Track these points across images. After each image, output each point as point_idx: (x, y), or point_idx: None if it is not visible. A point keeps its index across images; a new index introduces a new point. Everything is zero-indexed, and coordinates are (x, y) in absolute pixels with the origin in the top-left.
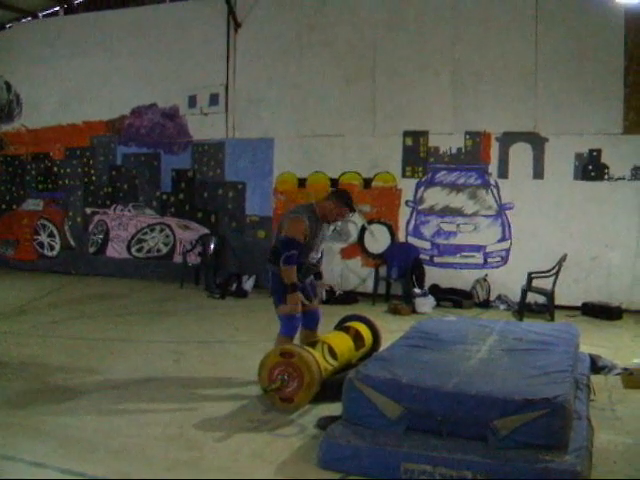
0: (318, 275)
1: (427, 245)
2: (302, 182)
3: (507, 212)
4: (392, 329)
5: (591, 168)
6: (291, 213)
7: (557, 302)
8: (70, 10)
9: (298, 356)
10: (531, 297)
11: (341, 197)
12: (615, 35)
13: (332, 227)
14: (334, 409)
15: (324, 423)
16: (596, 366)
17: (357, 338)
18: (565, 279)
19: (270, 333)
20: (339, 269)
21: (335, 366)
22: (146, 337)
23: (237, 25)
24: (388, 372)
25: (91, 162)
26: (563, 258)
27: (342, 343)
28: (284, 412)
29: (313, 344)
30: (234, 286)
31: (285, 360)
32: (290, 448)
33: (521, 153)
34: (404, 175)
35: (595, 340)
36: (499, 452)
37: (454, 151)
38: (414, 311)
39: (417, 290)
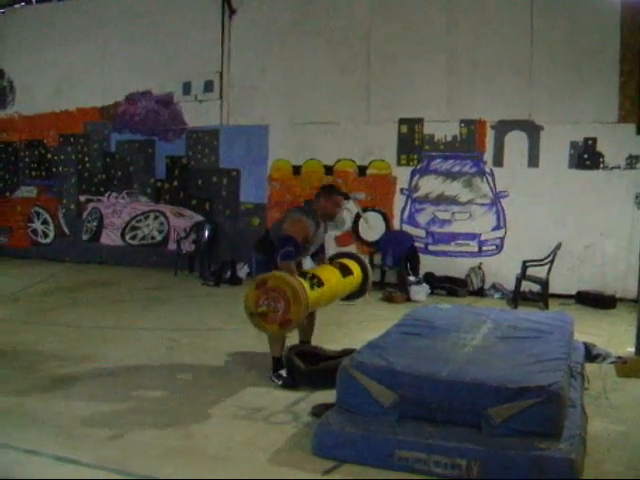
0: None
1: (422, 233)
2: (297, 169)
3: (502, 200)
4: (386, 317)
5: (586, 157)
6: (293, 213)
7: (551, 290)
8: None
9: (271, 278)
10: (525, 285)
11: (327, 189)
12: (611, 23)
13: (333, 224)
14: (328, 397)
15: (318, 411)
16: (590, 354)
17: (342, 269)
18: (559, 267)
19: None
20: None
21: (324, 287)
22: (140, 324)
23: (232, 11)
24: (382, 359)
25: (85, 149)
26: (558, 247)
27: (325, 271)
28: (290, 334)
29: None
30: (228, 273)
31: (263, 289)
32: (284, 436)
33: (516, 141)
34: (399, 163)
35: (589, 328)
36: (493, 440)
37: (449, 139)
38: (408, 299)
39: (412, 278)
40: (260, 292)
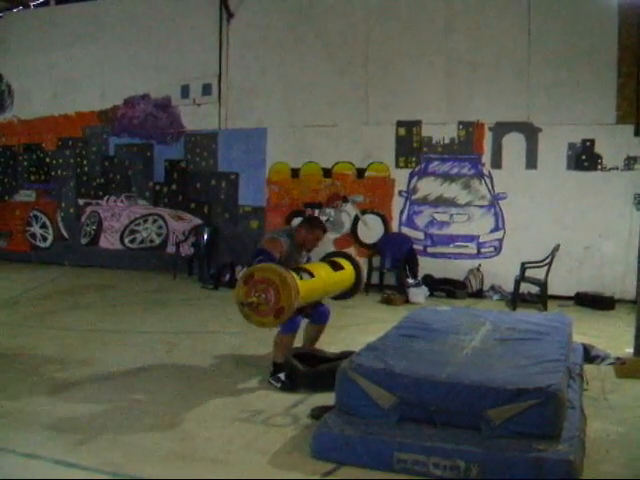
0: None
1: (420, 235)
2: (295, 172)
3: (500, 202)
4: (385, 319)
5: (584, 158)
6: (269, 234)
7: (550, 292)
8: (62, 0)
9: (257, 271)
10: (524, 287)
11: (311, 222)
12: (608, 25)
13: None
14: (327, 399)
15: (317, 413)
16: (589, 355)
17: (332, 264)
18: (558, 269)
19: None
20: None
21: (314, 278)
22: (139, 328)
23: (230, 15)
24: (381, 362)
25: (83, 153)
26: (556, 248)
27: (314, 266)
28: (287, 319)
29: None
30: (227, 277)
31: (251, 283)
32: (283, 438)
33: (514, 143)
34: (397, 165)
35: (588, 330)
36: (492, 441)
37: (447, 141)
38: (407, 301)
39: (410, 280)
40: (249, 287)
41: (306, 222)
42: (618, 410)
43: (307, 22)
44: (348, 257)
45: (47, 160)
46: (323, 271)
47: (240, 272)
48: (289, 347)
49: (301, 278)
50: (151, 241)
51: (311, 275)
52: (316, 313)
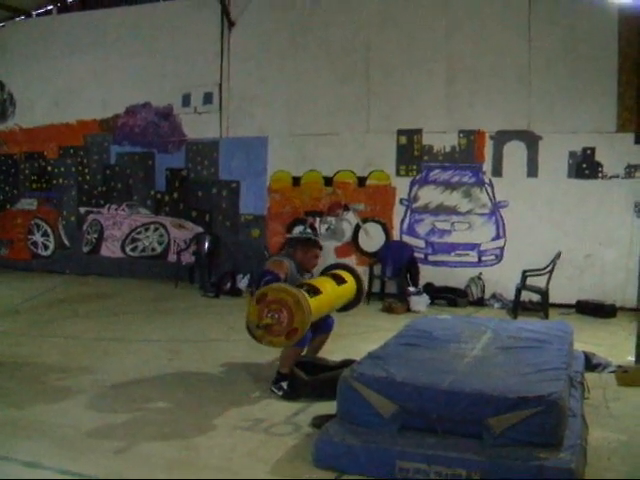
0: None
1: (421, 243)
2: (296, 180)
3: (501, 210)
4: (386, 327)
5: (585, 166)
6: (274, 257)
7: (551, 300)
8: (64, 9)
9: (270, 291)
10: (525, 295)
11: (304, 243)
12: (609, 33)
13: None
14: (329, 408)
15: (319, 422)
16: (590, 364)
17: (335, 278)
18: (559, 277)
19: None
20: None
21: (321, 295)
22: (141, 336)
23: (231, 24)
24: (382, 370)
25: (85, 161)
26: (557, 256)
27: (319, 281)
28: (298, 339)
29: None
30: (228, 285)
31: (263, 303)
32: (285, 447)
33: (515, 151)
34: (398, 173)
35: (589, 338)
36: (494, 450)
37: (448, 149)
38: (408, 309)
39: (411, 288)
40: (261, 306)
41: (299, 244)
42: (620, 418)
43: (308, 30)
44: (348, 269)
45: (48, 168)
46: (329, 286)
47: (241, 281)
48: (296, 359)
49: (311, 296)
50: (152, 249)
51: (319, 292)
52: (322, 324)
